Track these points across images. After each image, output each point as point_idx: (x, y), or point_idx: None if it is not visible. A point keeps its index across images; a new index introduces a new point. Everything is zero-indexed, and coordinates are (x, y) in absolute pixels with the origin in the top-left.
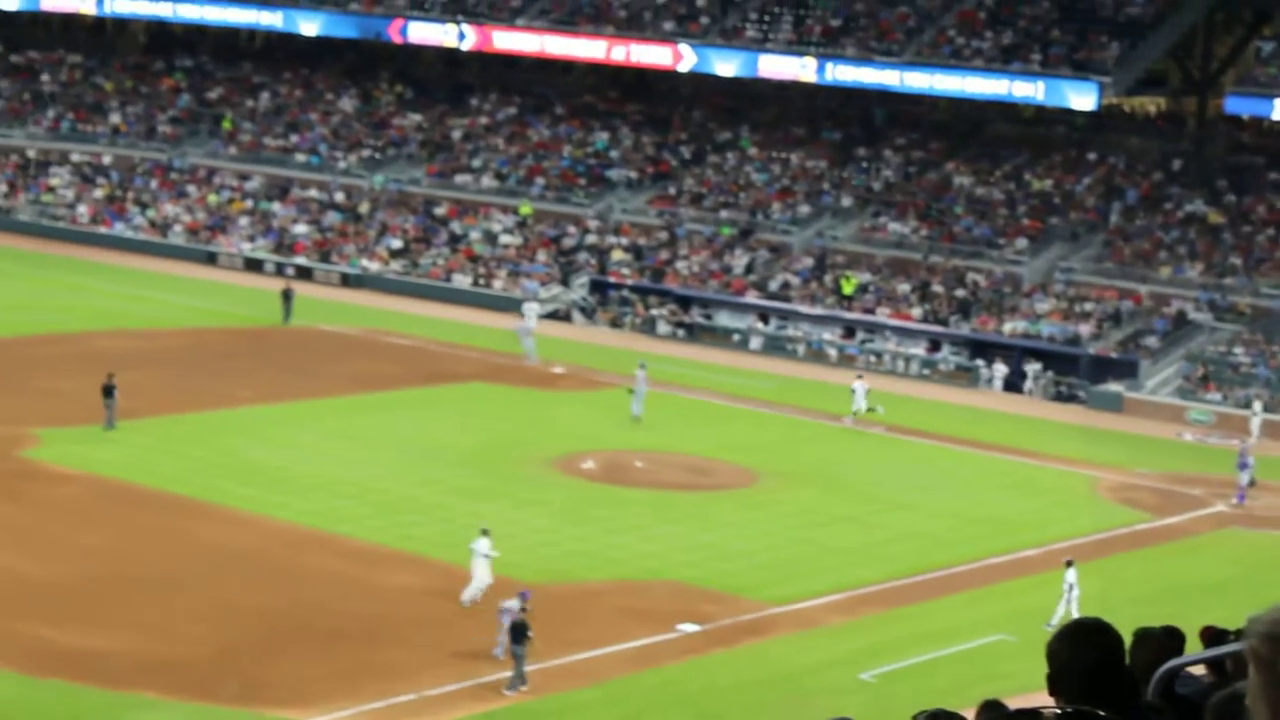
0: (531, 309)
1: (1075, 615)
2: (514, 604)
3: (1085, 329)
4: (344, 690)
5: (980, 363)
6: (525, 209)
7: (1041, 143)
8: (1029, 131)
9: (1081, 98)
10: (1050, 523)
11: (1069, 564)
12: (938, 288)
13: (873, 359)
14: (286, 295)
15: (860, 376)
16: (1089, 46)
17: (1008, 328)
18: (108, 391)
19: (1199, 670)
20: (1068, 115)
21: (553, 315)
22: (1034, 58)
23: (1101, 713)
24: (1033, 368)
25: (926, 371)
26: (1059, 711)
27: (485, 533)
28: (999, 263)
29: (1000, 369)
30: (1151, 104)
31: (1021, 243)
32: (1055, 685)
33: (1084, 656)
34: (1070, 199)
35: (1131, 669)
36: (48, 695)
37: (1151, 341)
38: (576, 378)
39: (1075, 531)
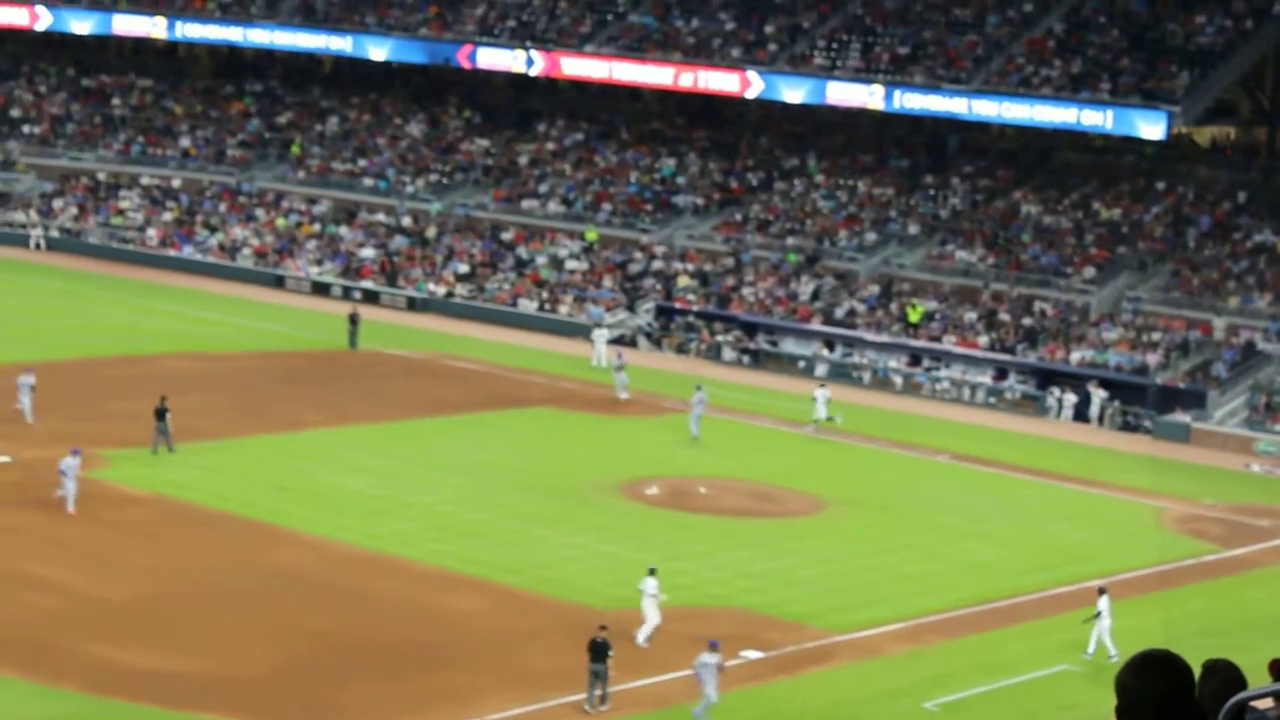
0: (601, 335)
1: (1106, 644)
2: (712, 659)
3: (1153, 359)
4: (407, 713)
5: (1052, 391)
6: (591, 234)
7: (1110, 171)
8: (1098, 160)
9: (1151, 127)
10: (1116, 553)
11: (1102, 591)
12: (1004, 316)
13: (938, 386)
14: (353, 320)
15: (823, 385)
16: (1158, 75)
17: (1075, 357)
18: (160, 415)
19: (1266, 704)
20: (1136, 144)
21: (618, 341)
22: (1103, 86)
23: None
24: (1099, 395)
25: (992, 400)
26: None
27: (652, 572)
28: (1066, 291)
29: (1069, 398)
30: (1221, 133)
31: (1089, 271)
32: (1124, 716)
33: (1153, 687)
34: (1138, 228)
35: (1199, 701)
36: (111, 715)
37: (1219, 371)
38: (641, 403)
39: (1141, 562)
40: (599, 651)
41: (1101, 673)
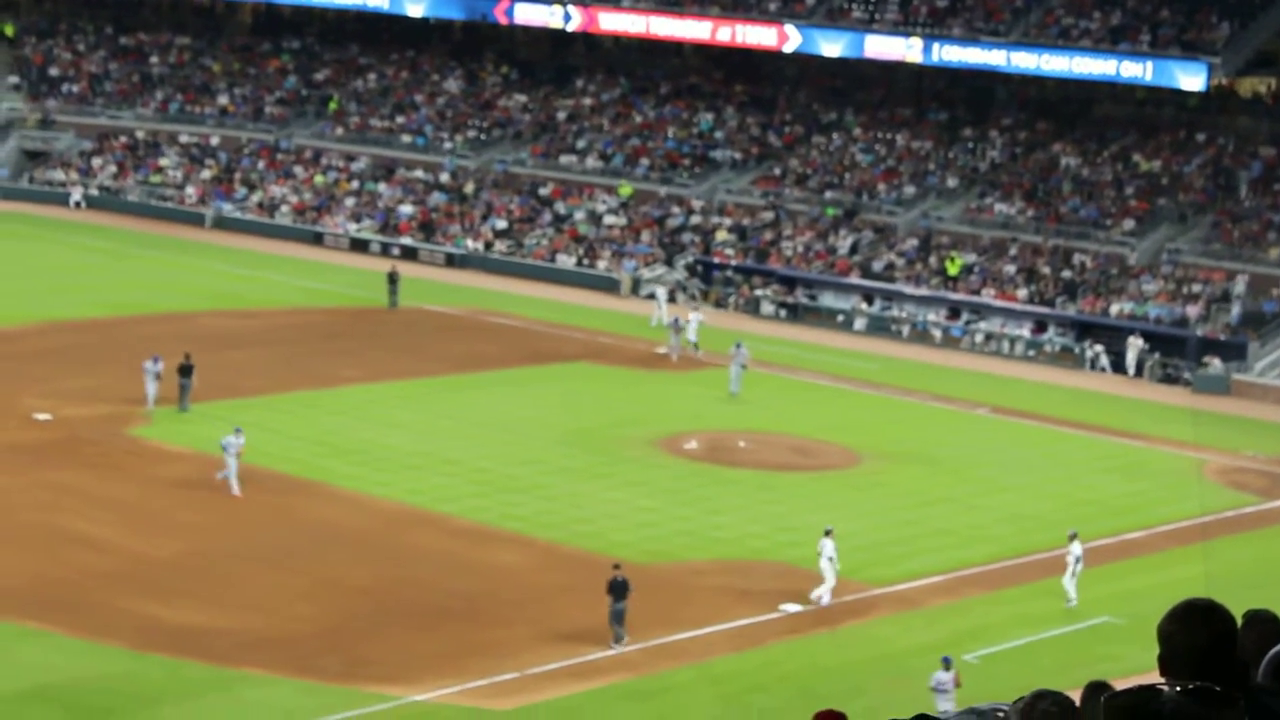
0: (662, 293)
1: (1069, 589)
2: (948, 676)
3: (1193, 310)
4: (447, 668)
5: (1088, 344)
6: (625, 189)
7: (1150, 123)
8: (1137, 112)
9: (1190, 78)
10: (1157, 505)
11: (1073, 537)
12: (1044, 269)
13: (976, 339)
14: (392, 278)
15: (697, 309)
16: (1198, 27)
17: (1114, 309)
18: (184, 371)
19: None
20: (1177, 96)
21: (652, 296)
22: (1143, 38)
23: (1219, 689)
24: (1136, 345)
25: (1032, 353)
26: (1179, 688)
27: (828, 533)
28: (1105, 244)
29: (1104, 349)
30: (1262, 84)
31: (1129, 224)
32: (1167, 666)
33: (1196, 637)
34: (1178, 180)
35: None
36: (155, 670)
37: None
38: (680, 358)
39: (1182, 514)
40: (620, 590)
41: (1143, 625)
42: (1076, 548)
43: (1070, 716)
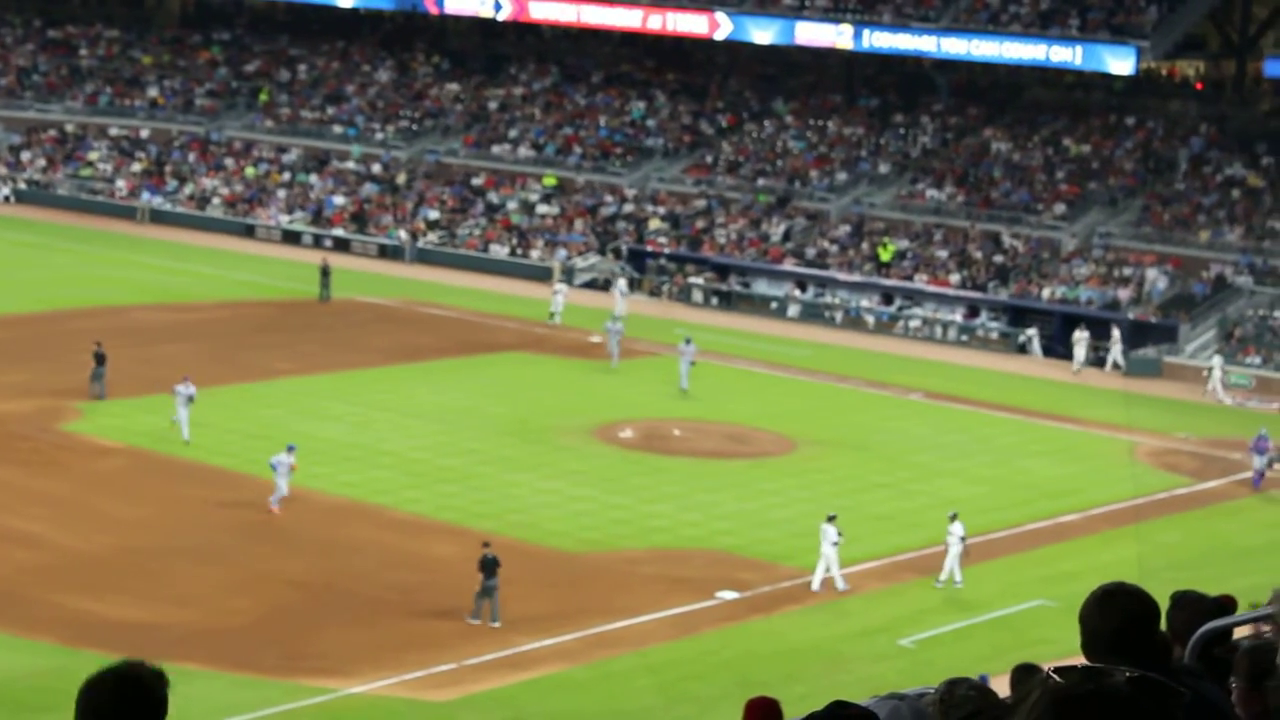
0: (621, 285)
1: (955, 570)
2: None
3: (1124, 294)
4: (385, 660)
5: (1026, 330)
6: (549, 180)
7: (1079, 107)
8: (1067, 96)
9: (1119, 62)
10: (1090, 488)
11: (954, 517)
12: (976, 254)
13: (910, 325)
14: (324, 271)
15: (564, 281)
16: (1126, 10)
17: (1046, 293)
18: (98, 360)
19: (1244, 632)
20: (1106, 80)
21: (590, 285)
22: (1072, 22)
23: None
24: (1083, 338)
25: (965, 338)
26: (1130, 674)
27: (831, 519)
28: (1037, 228)
29: (1040, 334)
30: (1190, 68)
31: (1060, 208)
32: (1086, 648)
33: (1111, 619)
34: (1109, 164)
35: (1167, 632)
36: (89, 666)
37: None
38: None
39: (1115, 496)
40: (490, 567)
41: (1077, 608)
42: (958, 528)
43: (987, 700)
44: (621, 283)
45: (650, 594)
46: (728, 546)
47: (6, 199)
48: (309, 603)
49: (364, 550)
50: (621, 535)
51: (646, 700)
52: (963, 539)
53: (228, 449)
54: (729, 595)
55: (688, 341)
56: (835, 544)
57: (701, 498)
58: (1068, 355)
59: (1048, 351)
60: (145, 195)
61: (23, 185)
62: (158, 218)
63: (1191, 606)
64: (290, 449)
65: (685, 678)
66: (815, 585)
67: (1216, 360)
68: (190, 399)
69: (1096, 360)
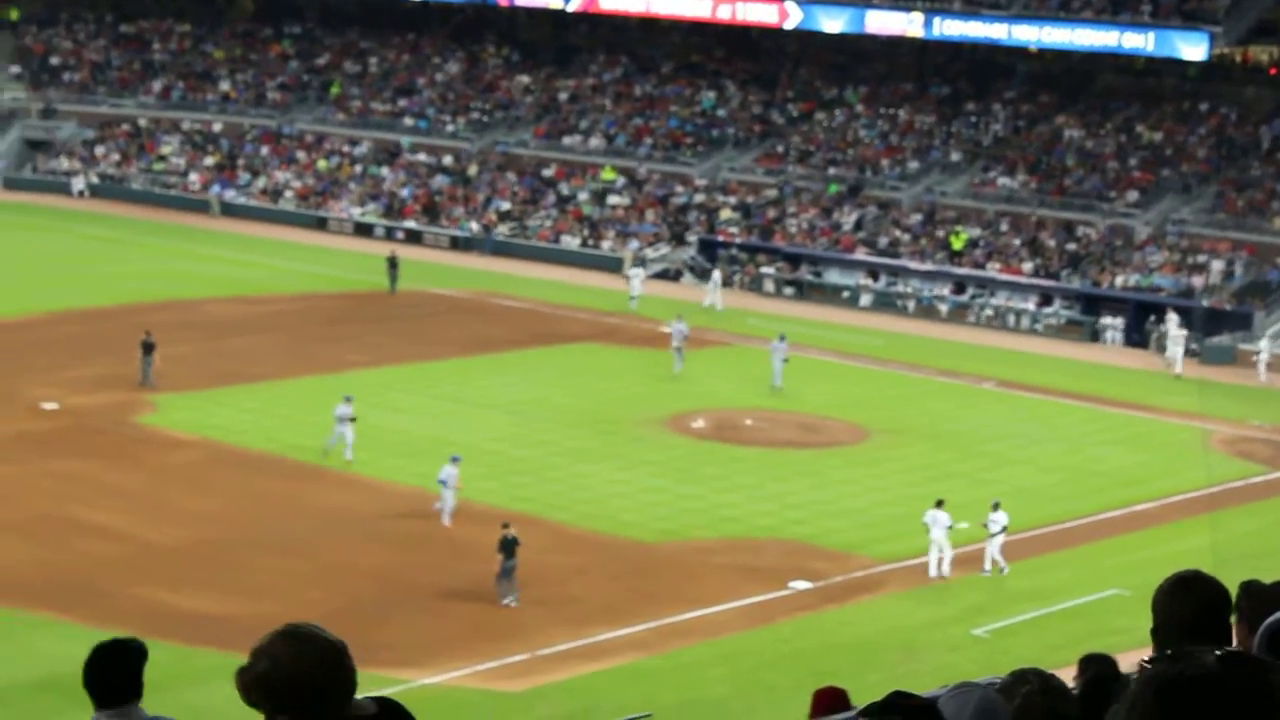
0: (717, 278)
1: (999, 558)
2: None
3: (1198, 281)
4: (458, 650)
5: (1102, 317)
6: (608, 174)
7: (1152, 94)
8: (1139, 83)
9: (1192, 48)
10: (1164, 476)
11: (996, 506)
12: (1048, 242)
13: (982, 313)
14: (392, 263)
15: (640, 265)
16: None
17: (1120, 281)
18: (146, 349)
19: None
20: (1179, 66)
21: (663, 275)
22: (1144, 8)
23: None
24: (1180, 335)
25: (1038, 326)
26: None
27: (940, 504)
28: (1110, 216)
29: (1115, 322)
30: (1264, 53)
31: (1133, 195)
32: (1156, 635)
33: (1185, 606)
34: (1182, 150)
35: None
36: (166, 657)
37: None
38: (687, 337)
39: (1189, 485)
40: (509, 548)
41: (1151, 596)
42: (1001, 516)
43: (1058, 699)
44: (716, 274)
45: (723, 584)
46: (800, 536)
47: (81, 193)
48: (382, 593)
49: (436, 541)
50: (694, 525)
51: (720, 690)
52: (1004, 529)
53: (300, 441)
54: (802, 585)
55: (781, 338)
56: (949, 528)
57: (774, 487)
58: (1143, 344)
59: (1126, 340)
60: (216, 189)
61: (96, 180)
62: (230, 211)
63: (1262, 595)
64: (455, 459)
65: (758, 667)
66: (933, 572)
67: (1263, 344)
68: (351, 420)
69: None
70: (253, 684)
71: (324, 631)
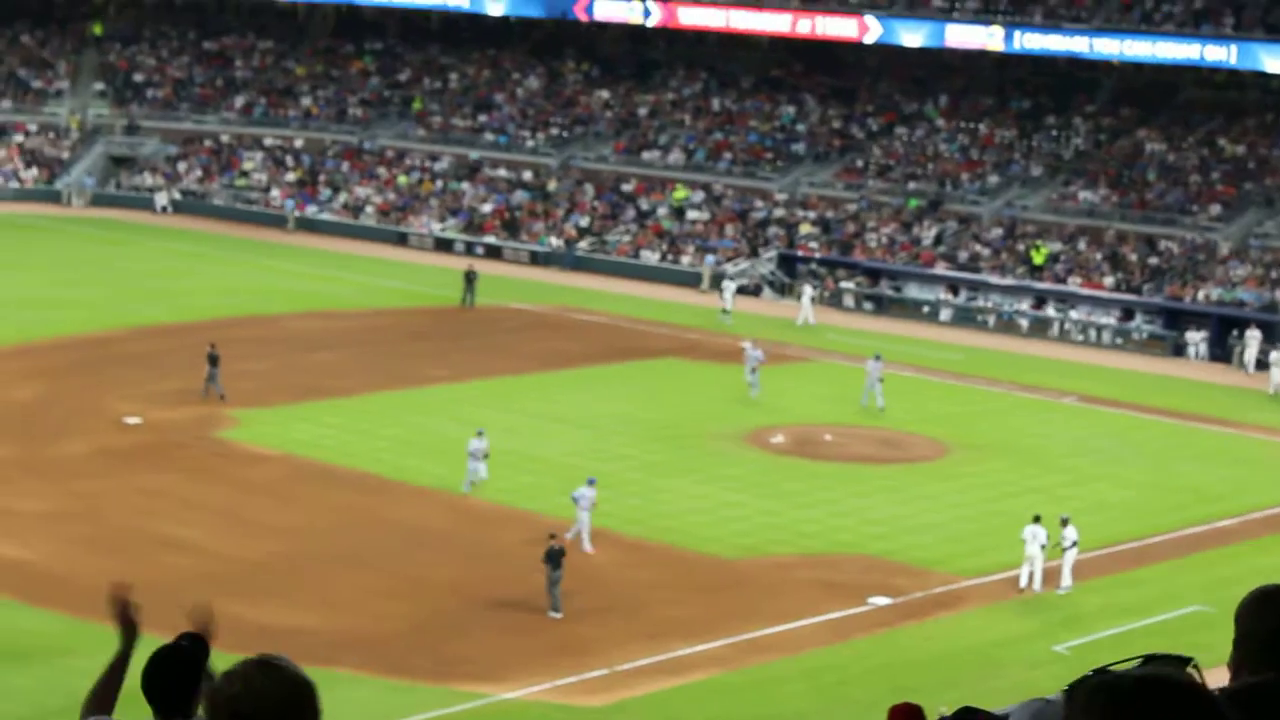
0: (809, 293)
1: (1068, 572)
2: None
3: None
4: (536, 665)
5: (1188, 331)
6: (680, 193)
7: (1235, 107)
8: (1221, 96)
9: (1276, 60)
10: (1247, 491)
11: (1065, 522)
12: (1130, 256)
13: (1064, 328)
14: (469, 277)
15: (732, 279)
16: None
17: (1203, 295)
18: (212, 361)
19: None
20: (1262, 79)
21: (741, 290)
22: (1226, 21)
23: None
24: (1255, 338)
25: (1119, 341)
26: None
27: (1037, 520)
28: (1192, 229)
29: (1198, 336)
30: None
31: (1215, 209)
32: (1238, 647)
33: (1266, 620)
34: (1265, 164)
35: None
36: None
37: None
38: (766, 352)
39: (1273, 500)
40: (556, 559)
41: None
42: (1071, 533)
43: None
44: (808, 290)
45: (803, 599)
46: (880, 551)
47: (164, 209)
48: (461, 608)
49: (516, 555)
50: (774, 540)
51: (800, 705)
52: (1075, 544)
53: (381, 455)
54: (882, 600)
55: (877, 358)
56: (1044, 546)
57: (853, 503)
58: (1226, 358)
59: (1212, 355)
60: (289, 204)
61: (179, 195)
62: (312, 226)
63: None
64: (591, 481)
65: (839, 683)
66: (1023, 583)
67: (1276, 355)
68: (485, 455)
69: (1257, 364)
70: (223, 704)
71: (297, 667)
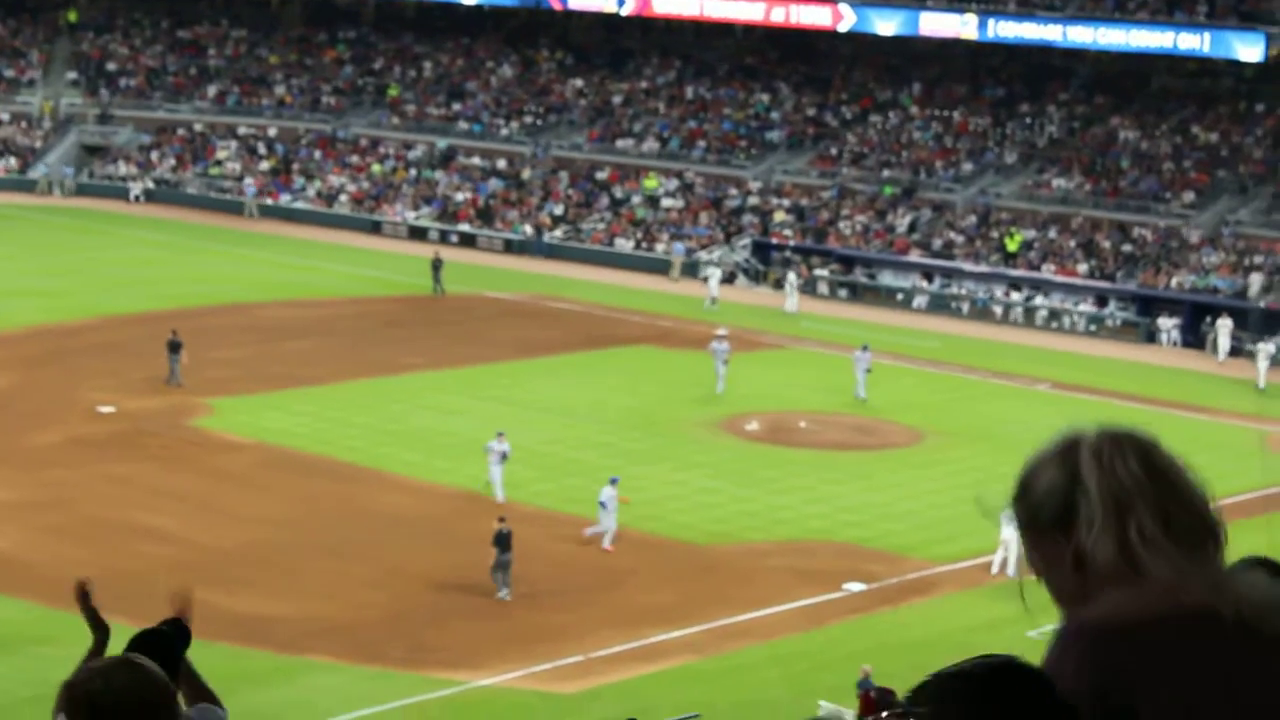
0: (792, 282)
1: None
2: None
3: (1255, 281)
4: (511, 652)
5: (1160, 318)
6: (650, 183)
7: (1208, 95)
8: (1195, 84)
9: (1248, 49)
10: (1219, 478)
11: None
12: (1104, 243)
13: (1037, 315)
14: (436, 265)
15: (717, 265)
16: None
17: (1175, 282)
18: (173, 348)
19: None
20: (1235, 66)
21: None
22: (1199, 9)
23: None
24: (1227, 326)
25: (1093, 327)
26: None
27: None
28: (1165, 217)
29: (1171, 323)
30: None
31: (1188, 196)
32: None
33: None
34: (1238, 151)
35: None
36: (220, 659)
37: None
38: (739, 339)
39: (1245, 486)
40: (504, 542)
41: None
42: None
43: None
44: (792, 277)
45: (777, 586)
46: (854, 538)
47: (137, 198)
48: (436, 595)
49: (490, 543)
50: (748, 527)
51: (774, 692)
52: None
53: (355, 444)
54: (856, 587)
55: (864, 348)
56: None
57: (828, 490)
58: (1199, 345)
59: (1186, 342)
60: (251, 191)
61: (152, 184)
62: (284, 215)
63: None
64: (613, 481)
65: (813, 669)
66: (995, 569)
67: (1261, 347)
68: (505, 456)
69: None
70: (82, 699)
71: (158, 668)
